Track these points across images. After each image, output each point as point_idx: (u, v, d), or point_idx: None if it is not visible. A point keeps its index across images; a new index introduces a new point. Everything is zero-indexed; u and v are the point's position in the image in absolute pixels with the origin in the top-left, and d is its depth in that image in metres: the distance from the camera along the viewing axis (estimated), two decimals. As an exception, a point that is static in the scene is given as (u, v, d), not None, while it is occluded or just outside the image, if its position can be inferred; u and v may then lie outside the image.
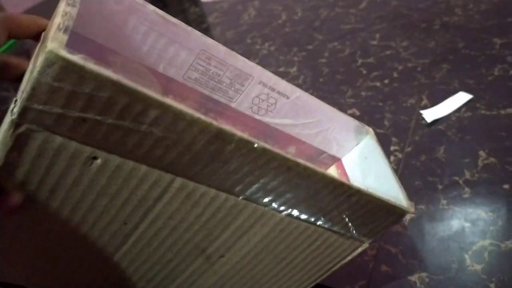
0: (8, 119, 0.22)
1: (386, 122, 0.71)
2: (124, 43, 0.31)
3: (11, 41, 1.52)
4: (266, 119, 0.38)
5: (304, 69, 0.93)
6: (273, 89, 0.36)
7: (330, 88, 0.84)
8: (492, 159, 0.58)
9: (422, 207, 0.55)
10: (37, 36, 0.27)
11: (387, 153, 0.65)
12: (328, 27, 1.06)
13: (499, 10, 0.90)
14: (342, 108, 0.77)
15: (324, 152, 0.42)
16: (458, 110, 0.68)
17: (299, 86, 0.88)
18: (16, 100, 0.22)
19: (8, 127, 0.22)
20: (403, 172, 0.61)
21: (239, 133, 0.25)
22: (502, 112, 0.65)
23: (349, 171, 0.43)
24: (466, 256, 0.48)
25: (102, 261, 0.31)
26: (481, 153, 0.60)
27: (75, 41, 0.29)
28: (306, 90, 0.86)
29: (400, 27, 0.97)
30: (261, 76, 0.36)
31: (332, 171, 0.44)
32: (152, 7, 0.30)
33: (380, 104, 0.75)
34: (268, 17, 1.22)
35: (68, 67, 0.20)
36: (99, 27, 0.29)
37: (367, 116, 0.74)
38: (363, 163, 0.42)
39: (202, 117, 0.24)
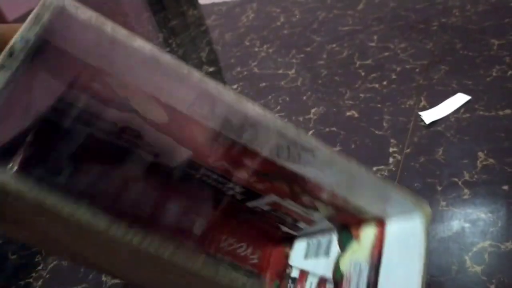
0: None
1: (384, 124, 0.71)
2: (118, 72, 0.28)
3: None
4: (289, 165, 0.33)
5: (303, 71, 0.93)
6: (295, 143, 0.32)
7: (328, 90, 0.84)
8: (491, 160, 0.58)
9: None
10: None
11: (386, 155, 0.65)
12: (326, 29, 1.07)
13: (496, 11, 0.90)
14: (341, 110, 0.77)
15: (362, 208, 0.37)
16: (457, 111, 0.68)
17: (297, 88, 0.88)
18: None
19: None
20: (402, 174, 0.61)
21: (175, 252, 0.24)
22: (501, 113, 0.65)
23: (387, 244, 0.37)
24: (466, 258, 0.48)
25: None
26: (480, 154, 0.60)
27: (68, 60, 0.28)
28: (304, 92, 0.86)
29: (398, 29, 0.97)
30: (280, 128, 0.31)
31: (370, 233, 0.38)
32: (138, 43, 0.26)
33: (379, 105, 0.76)
34: (266, 19, 1.22)
35: None
36: (87, 54, 0.28)
37: (366, 117, 0.74)
38: (402, 248, 0.36)
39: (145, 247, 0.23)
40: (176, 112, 0.31)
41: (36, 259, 0.67)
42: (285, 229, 0.44)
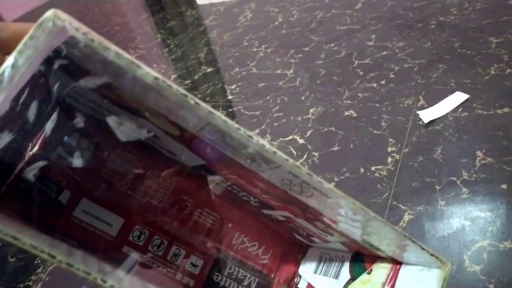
0: None
1: (383, 123, 0.71)
2: (126, 89, 0.27)
3: None
4: (302, 199, 0.32)
5: (301, 71, 0.93)
6: (308, 184, 0.31)
7: (327, 90, 0.84)
8: (489, 159, 0.58)
9: (420, 208, 0.55)
10: None
11: (385, 155, 0.65)
12: (324, 29, 1.07)
13: (494, 9, 0.90)
14: (339, 110, 0.77)
15: (378, 248, 0.36)
16: (455, 110, 0.68)
17: (296, 88, 0.88)
18: None
19: None
20: (401, 173, 0.61)
21: None
22: (499, 111, 0.65)
23: (398, 287, 0.36)
24: (465, 257, 0.48)
25: None
26: (478, 153, 0.60)
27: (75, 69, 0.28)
28: (303, 92, 0.86)
29: (396, 28, 0.97)
30: (292, 169, 0.30)
31: (383, 271, 0.38)
32: (141, 72, 0.24)
33: (377, 105, 0.75)
34: (264, 19, 1.22)
35: None
36: (92, 68, 0.27)
37: (364, 117, 0.74)
38: None
39: None
40: (186, 131, 0.30)
41: (36, 262, 0.67)
42: (299, 237, 0.43)
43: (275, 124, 0.80)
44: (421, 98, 0.74)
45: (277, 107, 0.84)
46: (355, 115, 0.75)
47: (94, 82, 0.30)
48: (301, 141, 0.74)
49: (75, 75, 0.30)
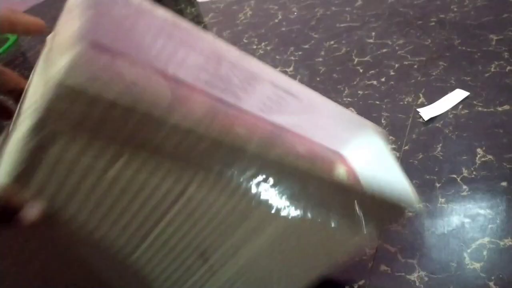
0: (20, 130, 0.22)
1: (383, 121, 0.71)
2: (132, 46, 0.29)
3: (14, 38, 1.51)
4: (278, 119, 0.37)
5: (301, 69, 0.93)
6: (286, 91, 0.36)
7: (327, 87, 0.84)
8: (489, 157, 0.58)
9: (420, 205, 0.55)
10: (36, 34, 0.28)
11: (385, 152, 0.65)
12: (324, 26, 1.06)
13: (495, 6, 0.90)
14: (339, 107, 0.77)
15: (329, 149, 0.41)
16: (455, 107, 0.68)
17: (296, 85, 0.88)
18: (21, 112, 0.22)
19: (21, 138, 0.22)
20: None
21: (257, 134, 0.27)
22: (499, 109, 0.65)
23: (358, 168, 0.41)
24: (465, 255, 0.48)
25: (117, 263, 0.31)
26: (479, 150, 0.59)
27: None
28: (303, 89, 0.86)
29: (396, 25, 0.96)
30: (273, 78, 0.36)
31: (339, 168, 0.42)
32: (161, 11, 0.31)
33: (377, 102, 0.75)
34: (264, 17, 1.22)
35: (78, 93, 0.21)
36: (107, 29, 0.28)
37: (365, 115, 0.73)
38: (371, 161, 0.41)
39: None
40: (180, 85, 0.32)
41: (35, 260, 0.67)
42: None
43: (275, 121, 0.80)
44: (421, 95, 0.74)
45: (277, 104, 0.84)
46: (355, 112, 0.75)
47: None
48: (301, 138, 0.73)
49: None
